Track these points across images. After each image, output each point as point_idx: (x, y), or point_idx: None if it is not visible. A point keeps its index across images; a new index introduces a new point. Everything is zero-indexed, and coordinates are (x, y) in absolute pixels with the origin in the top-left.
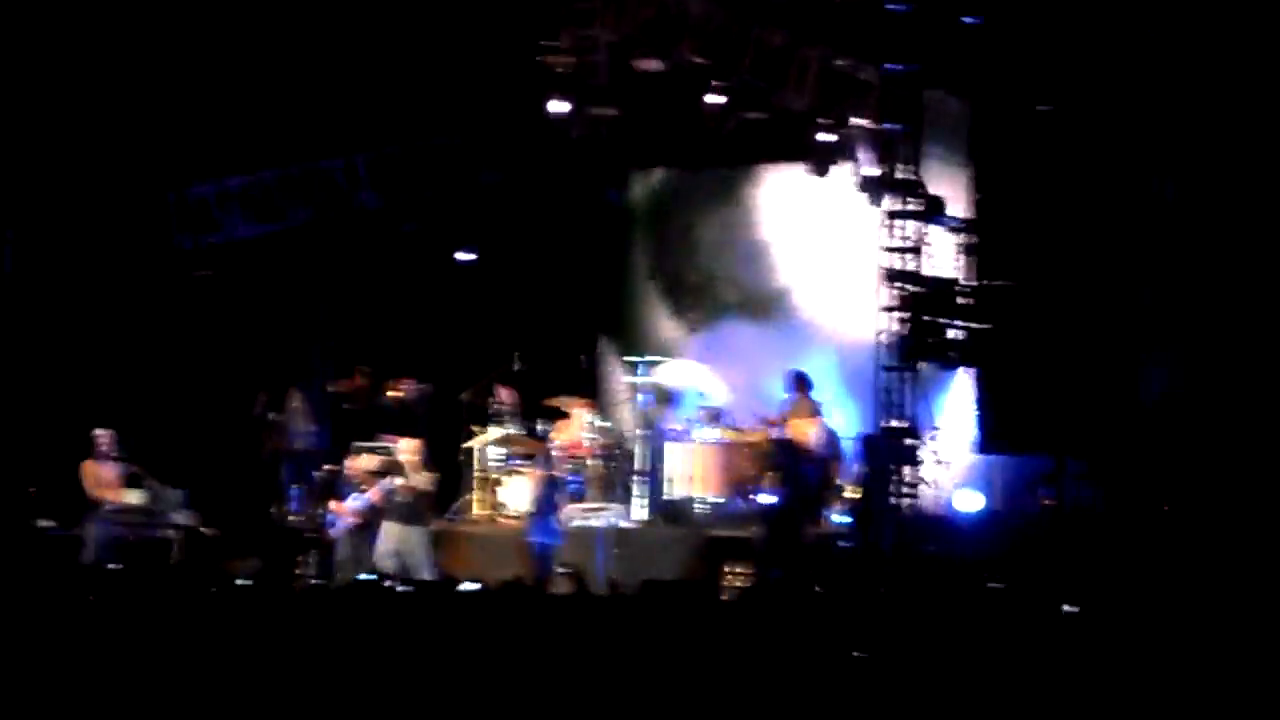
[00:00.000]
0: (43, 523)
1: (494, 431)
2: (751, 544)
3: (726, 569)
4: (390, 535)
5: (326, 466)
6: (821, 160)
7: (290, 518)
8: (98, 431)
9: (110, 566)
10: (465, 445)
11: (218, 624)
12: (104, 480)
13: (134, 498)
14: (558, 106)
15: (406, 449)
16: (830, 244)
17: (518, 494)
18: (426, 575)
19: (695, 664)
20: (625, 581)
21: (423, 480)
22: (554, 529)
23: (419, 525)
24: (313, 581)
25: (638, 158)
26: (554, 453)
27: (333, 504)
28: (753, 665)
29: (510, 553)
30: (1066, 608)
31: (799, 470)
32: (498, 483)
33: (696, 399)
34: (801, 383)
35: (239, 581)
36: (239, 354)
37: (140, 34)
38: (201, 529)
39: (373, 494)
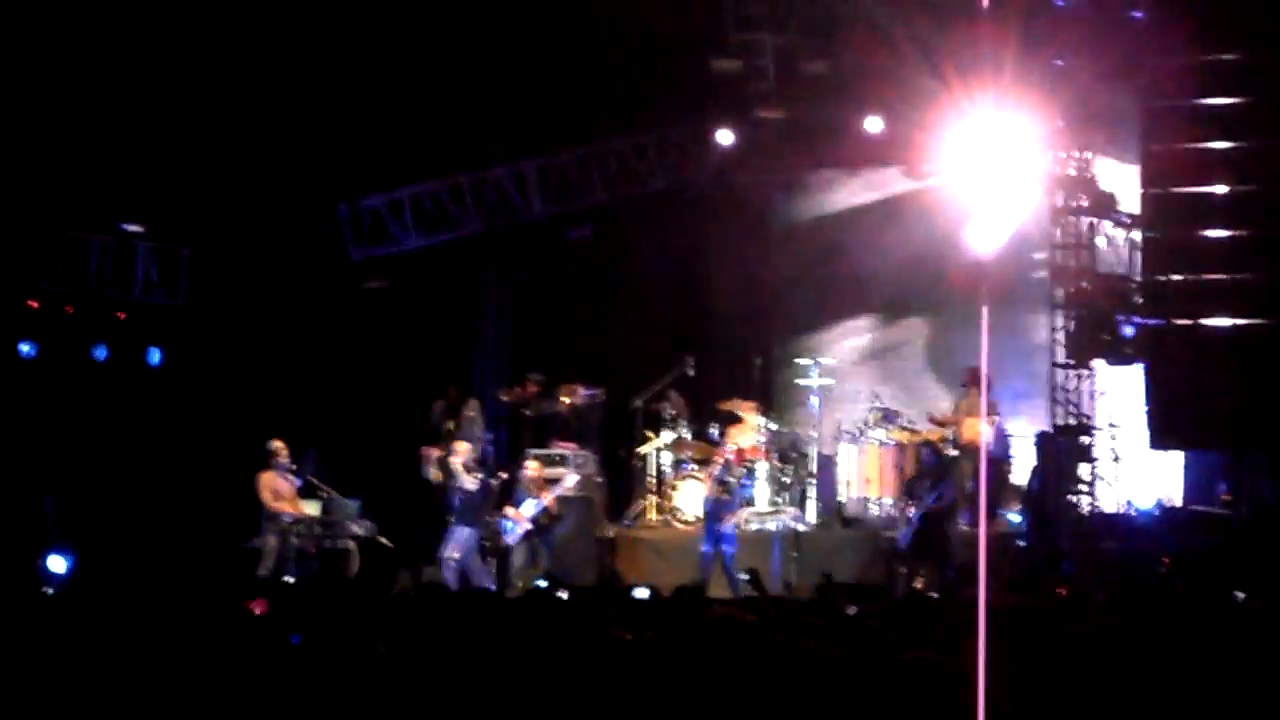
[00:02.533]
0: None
1: (666, 436)
2: (897, 545)
3: (901, 569)
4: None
5: (501, 474)
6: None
7: None
8: (274, 443)
9: (287, 579)
10: (639, 451)
11: (394, 632)
12: (281, 492)
13: (311, 509)
14: (724, 136)
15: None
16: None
17: (691, 499)
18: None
19: (864, 665)
20: (801, 584)
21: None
22: (729, 534)
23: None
24: (490, 589)
25: (805, 159)
26: (728, 457)
27: (509, 510)
28: (919, 663)
29: (685, 558)
30: (1240, 596)
31: (947, 472)
32: (672, 488)
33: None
34: (976, 377)
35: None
36: (413, 364)
37: (311, 47)
38: (379, 539)
39: (548, 500)
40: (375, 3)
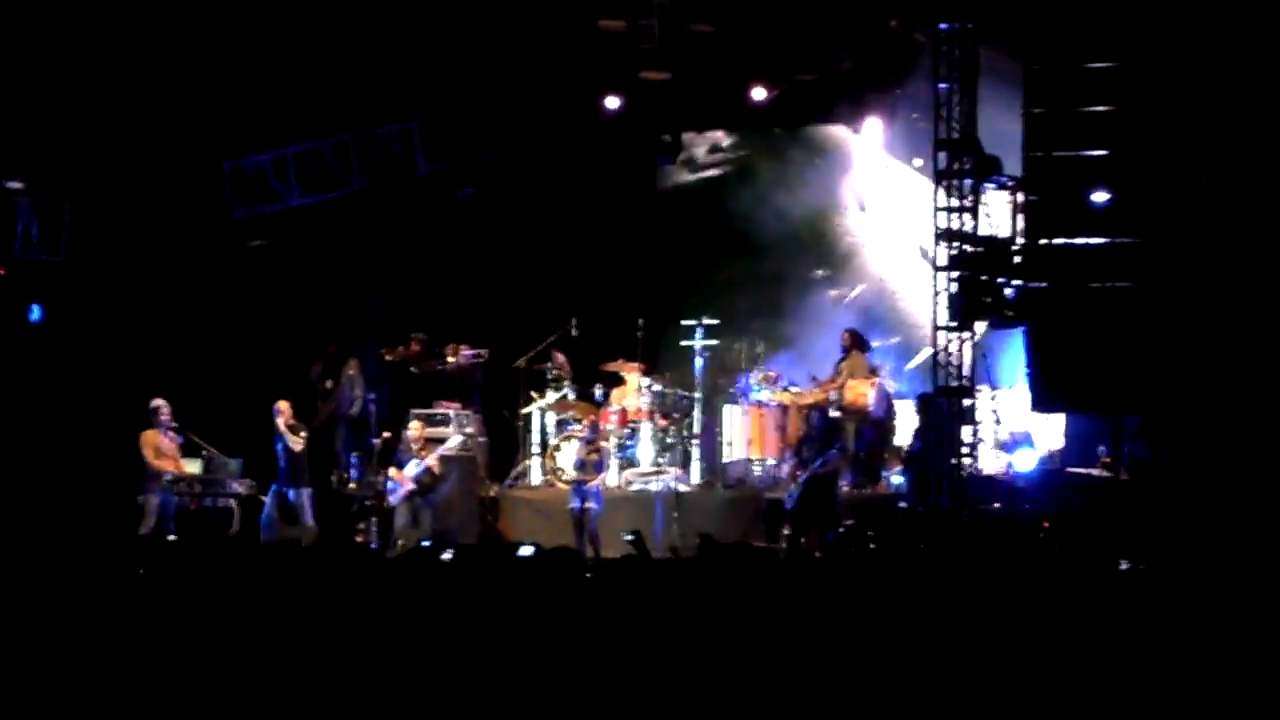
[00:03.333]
0: None
1: (550, 396)
2: (784, 507)
3: (784, 531)
4: None
5: (384, 433)
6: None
7: (349, 485)
8: (157, 402)
9: (170, 537)
10: (522, 411)
11: (278, 591)
12: (163, 450)
13: (192, 467)
14: (611, 102)
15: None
16: (886, 205)
17: (574, 459)
18: None
19: (755, 625)
20: (684, 545)
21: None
22: (596, 493)
23: None
24: (372, 548)
25: (690, 121)
26: (595, 420)
27: (392, 471)
28: (813, 625)
29: (568, 518)
30: (1124, 564)
31: (835, 435)
32: (555, 448)
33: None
34: (857, 341)
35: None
36: (295, 323)
37: (197, 3)
38: (259, 497)
39: (431, 460)
40: None
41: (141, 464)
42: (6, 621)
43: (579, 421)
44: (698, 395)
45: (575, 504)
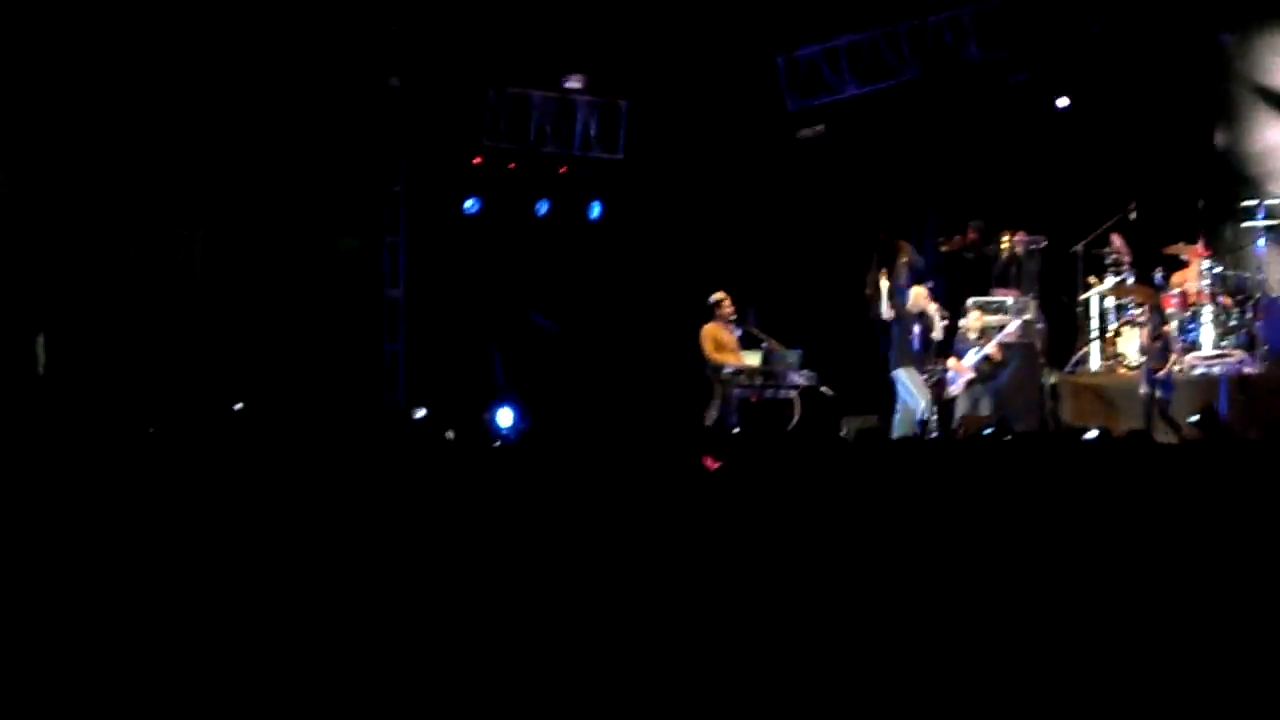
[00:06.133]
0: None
1: (1109, 281)
2: None
3: None
4: None
5: (942, 323)
6: None
7: None
8: (718, 295)
9: (733, 429)
10: (1081, 297)
11: (836, 482)
12: (724, 343)
13: (752, 359)
14: None
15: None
16: None
17: (1135, 344)
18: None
19: None
20: (1250, 429)
21: None
22: (1166, 381)
23: None
24: (934, 436)
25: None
26: (1172, 301)
27: (950, 361)
28: None
29: (1130, 403)
30: None
31: None
32: (1116, 334)
33: None
34: None
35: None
36: (849, 214)
37: None
38: (820, 388)
39: (990, 348)
40: None
41: (702, 358)
42: (578, 514)
43: (1140, 306)
44: (1262, 277)
45: (1144, 389)
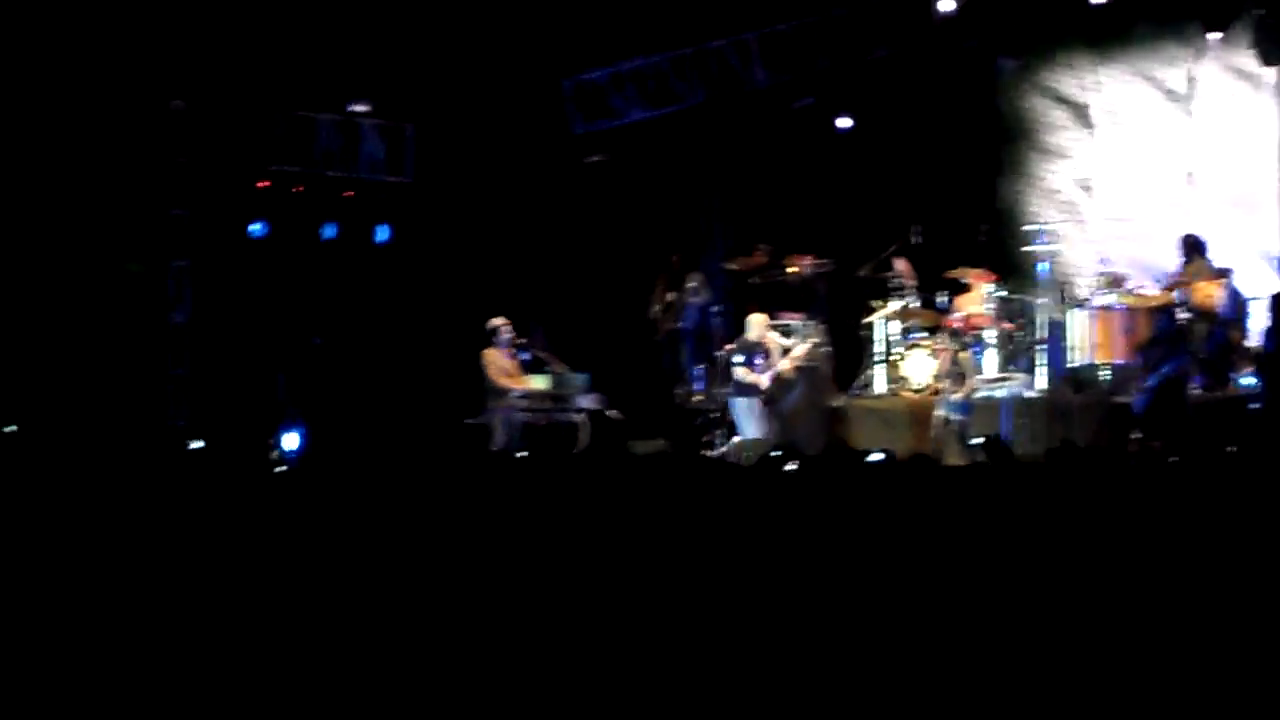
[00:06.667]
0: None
1: (893, 305)
2: (1132, 411)
3: (1134, 436)
4: None
5: (727, 345)
6: None
7: (694, 398)
8: (496, 320)
9: (518, 454)
10: (865, 320)
11: (627, 503)
12: (507, 368)
13: (539, 383)
14: (945, 3)
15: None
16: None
17: (919, 368)
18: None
19: (1103, 529)
20: (1030, 450)
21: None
22: (962, 403)
23: None
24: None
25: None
26: (956, 325)
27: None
28: (1159, 529)
29: (914, 427)
30: None
31: (1183, 337)
32: (900, 357)
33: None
34: (1195, 246)
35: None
36: (637, 237)
37: None
38: (607, 412)
39: (775, 369)
40: None
41: (485, 383)
42: (355, 538)
43: (926, 330)
44: (1042, 301)
45: (940, 411)
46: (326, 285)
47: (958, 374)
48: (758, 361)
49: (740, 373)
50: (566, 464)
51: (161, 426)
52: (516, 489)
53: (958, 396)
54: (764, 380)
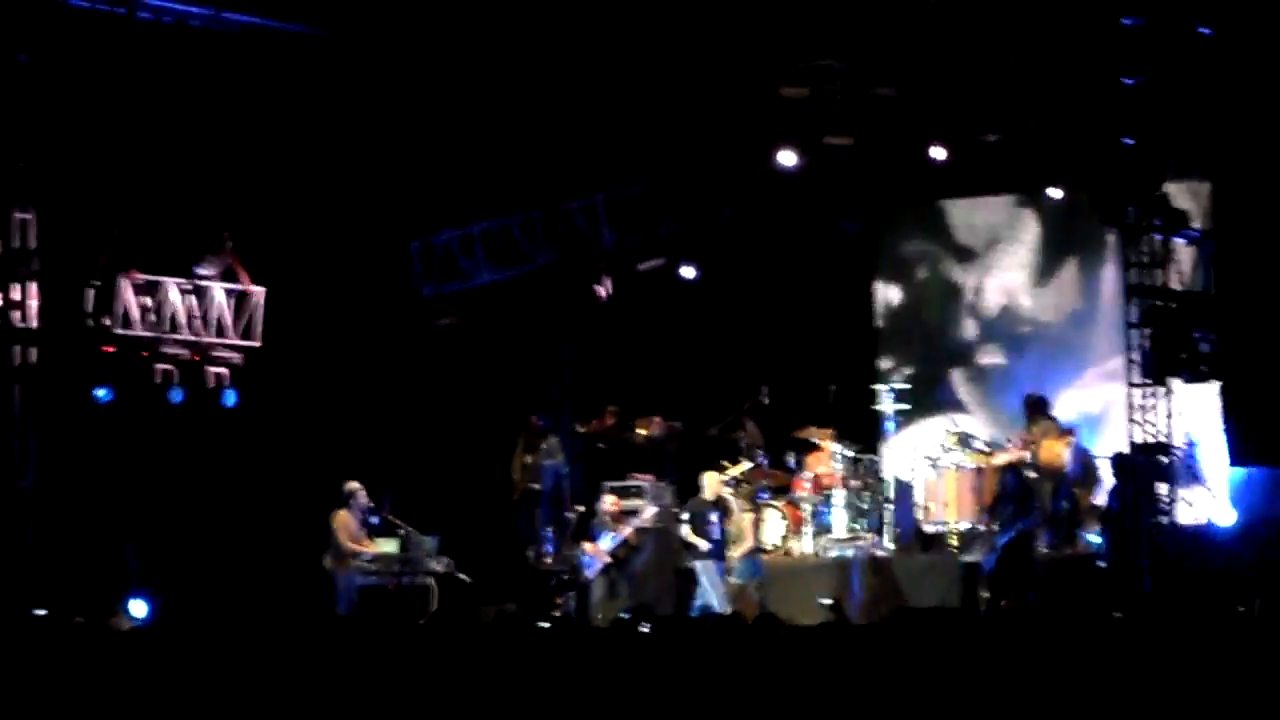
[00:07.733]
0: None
1: (743, 466)
2: (981, 569)
3: (983, 594)
4: None
5: (578, 507)
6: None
7: (545, 560)
8: (353, 484)
9: (365, 616)
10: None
11: (477, 667)
12: (354, 532)
13: (388, 546)
14: (786, 158)
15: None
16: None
17: (770, 528)
18: None
19: (956, 690)
20: (881, 610)
21: None
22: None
23: None
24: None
25: (875, 188)
26: (805, 485)
27: (586, 545)
28: (1012, 689)
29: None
30: None
31: (1031, 495)
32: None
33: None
34: (1041, 405)
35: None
36: (486, 399)
37: (379, 85)
38: (457, 575)
39: (626, 532)
40: (447, 40)
41: (332, 544)
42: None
43: (774, 491)
44: (889, 459)
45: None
46: (175, 449)
47: (735, 535)
48: (712, 520)
49: (585, 545)
50: (413, 629)
51: (7, 595)
52: (359, 655)
53: (736, 555)
54: (604, 551)
